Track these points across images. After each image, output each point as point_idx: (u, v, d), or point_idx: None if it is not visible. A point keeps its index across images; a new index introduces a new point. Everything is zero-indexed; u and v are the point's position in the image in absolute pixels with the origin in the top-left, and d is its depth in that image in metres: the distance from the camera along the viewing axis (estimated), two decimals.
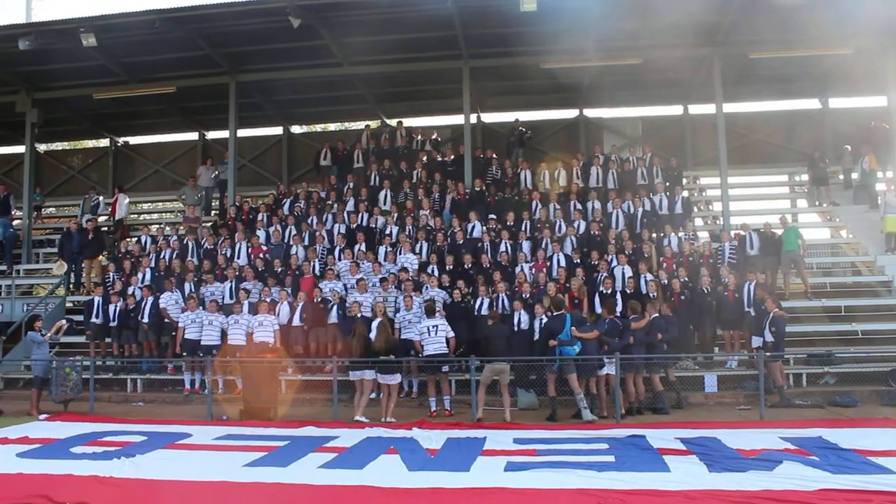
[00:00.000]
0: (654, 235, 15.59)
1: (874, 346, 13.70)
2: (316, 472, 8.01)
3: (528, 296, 13.34)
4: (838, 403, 11.93)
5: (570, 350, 11.27)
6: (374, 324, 12.18)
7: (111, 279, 16.07)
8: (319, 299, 14.14)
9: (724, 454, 8.41)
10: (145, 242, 17.56)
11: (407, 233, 16.11)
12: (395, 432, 10.33)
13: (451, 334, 12.34)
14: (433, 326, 12.11)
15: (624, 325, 12.01)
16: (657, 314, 12.27)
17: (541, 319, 12.37)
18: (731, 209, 17.63)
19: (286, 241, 16.57)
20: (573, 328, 11.40)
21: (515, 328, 12.79)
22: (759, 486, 6.99)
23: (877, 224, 16.65)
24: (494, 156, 19.14)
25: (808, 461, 7.96)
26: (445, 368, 12.11)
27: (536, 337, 12.31)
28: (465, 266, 14.75)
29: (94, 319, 15.13)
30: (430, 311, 12.35)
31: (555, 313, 11.70)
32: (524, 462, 8.30)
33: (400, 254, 15.33)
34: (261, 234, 16.90)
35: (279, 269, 15.30)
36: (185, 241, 16.97)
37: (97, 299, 15.22)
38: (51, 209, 24.25)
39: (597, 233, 15.27)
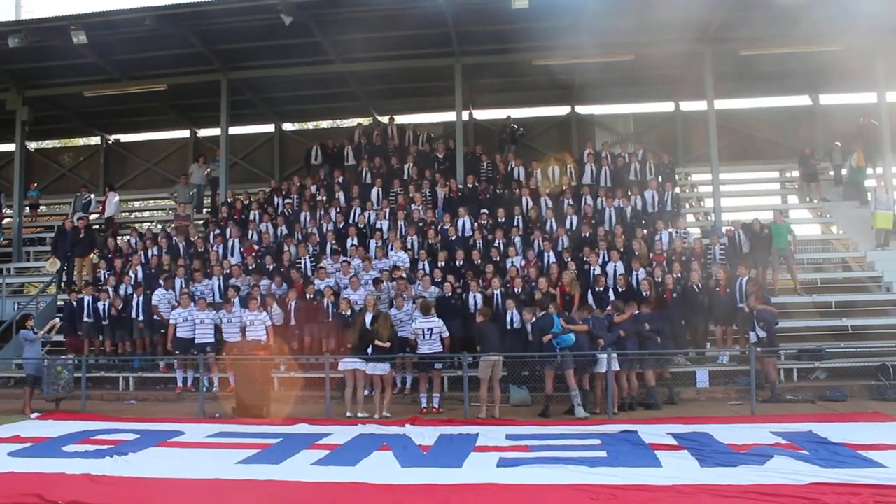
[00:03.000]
0: (644, 232, 15.57)
1: (864, 342, 13.78)
2: (309, 469, 8.01)
3: (519, 290, 13.28)
4: (829, 398, 12.04)
5: (567, 338, 11.29)
6: (368, 318, 12.15)
7: (102, 277, 15.98)
8: (312, 295, 14.04)
9: (716, 449, 8.45)
10: (135, 243, 17.34)
11: (398, 230, 16.03)
12: (387, 429, 10.35)
13: (446, 334, 12.16)
14: (427, 329, 11.95)
15: (609, 321, 12.07)
16: (637, 311, 12.33)
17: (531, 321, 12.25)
18: (722, 205, 17.71)
19: (278, 238, 16.52)
20: (562, 321, 11.48)
21: (508, 326, 12.66)
22: (751, 480, 7.03)
23: (867, 220, 16.74)
24: (485, 155, 19.05)
25: (798, 455, 8.01)
26: (438, 365, 12.08)
27: (531, 338, 12.08)
28: (457, 263, 14.70)
29: (86, 319, 15.08)
30: (425, 309, 12.17)
31: (541, 313, 11.69)
32: (517, 458, 8.32)
33: (391, 250, 15.15)
34: (253, 234, 16.81)
35: (271, 267, 15.21)
36: (173, 241, 16.84)
37: (87, 298, 15.14)
38: (41, 207, 24.08)
39: (587, 234, 15.22)
